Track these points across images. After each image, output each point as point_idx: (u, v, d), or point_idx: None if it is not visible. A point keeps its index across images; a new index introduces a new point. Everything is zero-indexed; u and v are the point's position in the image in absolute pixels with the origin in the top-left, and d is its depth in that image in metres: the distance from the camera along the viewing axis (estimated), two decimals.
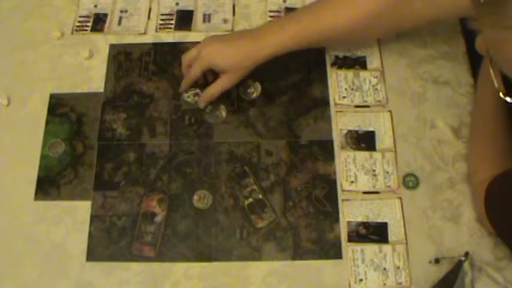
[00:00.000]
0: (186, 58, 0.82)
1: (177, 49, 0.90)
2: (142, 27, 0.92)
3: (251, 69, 0.79)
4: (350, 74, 0.87)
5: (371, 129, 0.83)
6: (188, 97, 0.84)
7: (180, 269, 0.75)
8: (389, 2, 0.75)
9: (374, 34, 0.85)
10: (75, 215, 0.78)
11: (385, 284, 0.74)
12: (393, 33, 0.85)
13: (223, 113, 0.84)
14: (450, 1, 0.72)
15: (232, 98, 0.85)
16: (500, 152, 0.74)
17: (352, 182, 0.80)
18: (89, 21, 0.93)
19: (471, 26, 0.56)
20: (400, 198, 0.78)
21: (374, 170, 0.80)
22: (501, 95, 0.60)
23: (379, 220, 0.77)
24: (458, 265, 0.71)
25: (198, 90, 0.85)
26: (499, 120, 0.75)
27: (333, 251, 0.76)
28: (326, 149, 0.82)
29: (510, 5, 0.49)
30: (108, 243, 0.77)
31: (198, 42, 0.89)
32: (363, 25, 0.77)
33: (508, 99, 0.60)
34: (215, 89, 0.80)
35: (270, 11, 0.93)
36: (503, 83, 0.60)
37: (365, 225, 0.77)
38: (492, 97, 0.76)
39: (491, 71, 0.60)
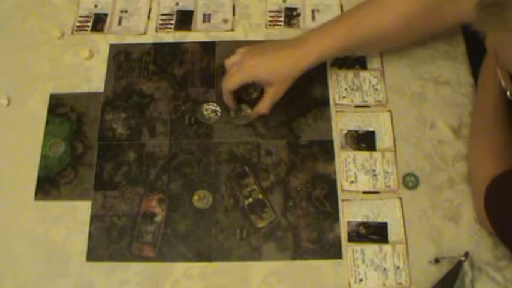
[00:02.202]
0: (229, 64, 0.80)
1: (177, 49, 0.90)
2: (142, 27, 0.92)
3: (297, 78, 0.78)
4: (350, 74, 0.87)
5: (371, 129, 0.83)
6: (206, 110, 0.84)
7: (180, 269, 0.75)
8: (425, 5, 0.75)
9: (410, 38, 0.83)
10: (75, 215, 0.78)
11: (385, 284, 0.74)
12: (425, 37, 0.85)
13: (249, 111, 0.84)
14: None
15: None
16: (500, 151, 0.74)
17: (352, 182, 0.80)
18: (89, 21, 0.93)
19: (476, 28, 0.56)
20: (400, 198, 0.78)
21: (374, 170, 0.80)
22: (508, 94, 0.60)
23: (379, 220, 0.77)
24: (458, 265, 0.71)
25: (218, 108, 0.84)
26: (499, 119, 0.75)
27: (333, 251, 0.76)
28: (326, 149, 0.82)
29: (510, 7, 0.49)
30: (108, 243, 0.77)
31: (198, 43, 0.90)
32: (402, 29, 0.77)
33: None
34: (266, 105, 0.80)
35: (270, 11, 0.93)
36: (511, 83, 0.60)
37: (365, 225, 0.77)
38: (492, 96, 0.76)
39: (498, 71, 0.60)
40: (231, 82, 0.78)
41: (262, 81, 0.78)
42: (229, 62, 0.80)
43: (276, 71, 0.77)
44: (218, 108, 0.84)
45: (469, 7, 0.73)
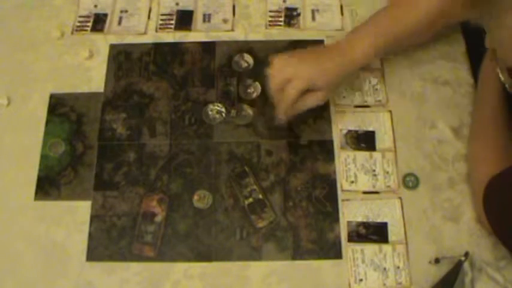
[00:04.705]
0: (276, 83, 0.75)
1: (177, 49, 0.90)
2: (142, 27, 0.92)
3: (342, 82, 0.80)
4: None
5: (371, 129, 0.83)
6: (211, 110, 0.84)
7: (180, 269, 0.75)
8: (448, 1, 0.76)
9: (436, 32, 0.84)
10: (75, 215, 0.78)
11: (385, 284, 0.74)
12: (446, 30, 0.86)
13: (250, 112, 0.84)
14: None
15: (232, 98, 0.86)
16: (500, 151, 0.74)
17: (352, 182, 0.80)
18: (89, 21, 0.93)
19: (476, 22, 0.56)
20: (400, 198, 0.78)
21: (374, 170, 0.80)
22: (508, 87, 0.61)
23: (379, 220, 0.77)
24: (458, 265, 0.71)
25: (223, 109, 0.84)
26: (499, 120, 0.75)
27: (333, 251, 0.76)
28: (326, 149, 0.82)
29: None
30: (108, 243, 0.77)
31: (198, 43, 0.90)
32: (430, 25, 0.78)
33: None
34: (310, 103, 0.77)
35: (270, 11, 0.93)
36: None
37: (365, 225, 0.77)
38: (493, 96, 0.76)
39: (498, 68, 0.60)
40: (292, 95, 0.75)
41: (315, 87, 0.76)
42: (276, 81, 0.76)
43: (330, 77, 0.76)
44: (223, 109, 0.84)
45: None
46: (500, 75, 0.61)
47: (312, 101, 0.77)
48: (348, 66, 0.77)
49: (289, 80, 0.74)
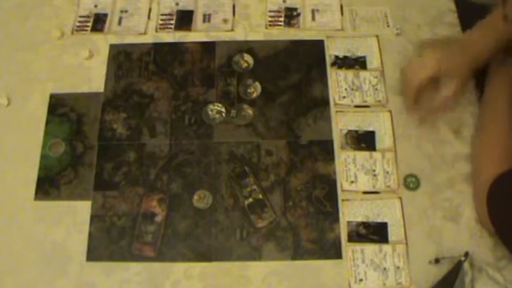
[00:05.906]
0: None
1: (177, 49, 0.90)
2: (142, 27, 0.92)
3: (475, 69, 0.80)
4: (350, 74, 0.87)
5: (371, 129, 0.83)
6: (211, 110, 0.84)
7: (180, 269, 0.75)
8: None
9: None
10: (75, 215, 0.78)
11: (385, 284, 0.74)
12: None
13: (250, 112, 0.84)
14: None
15: (232, 98, 0.86)
16: (507, 151, 0.74)
17: (352, 182, 0.80)
18: (89, 21, 0.93)
19: None
20: (400, 198, 0.78)
21: (374, 170, 0.80)
22: None
23: (379, 220, 0.77)
24: (458, 265, 0.71)
25: (223, 109, 0.84)
26: (508, 120, 0.75)
27: (333, 251, 0.76)
28: (326, 149, 0.82)
29: None
30: (108, 243, 0.77)
31: (198, 43, 0.90)
32: None
33: None
34: (456, 89, 0.78)
35: (270, 11, 0.93)
36: None
37: (365, 225, 0.77)
38: (504, 98, 0.76)
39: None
40: (419, 79, 0.78)
41: (446, 75, 0.78)
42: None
43: (462, 69, 0.77)
44: (223, 109, 0.84)
45: None
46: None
47: (456, 87, 0.77)
48: (476, 59, 0.77)
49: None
